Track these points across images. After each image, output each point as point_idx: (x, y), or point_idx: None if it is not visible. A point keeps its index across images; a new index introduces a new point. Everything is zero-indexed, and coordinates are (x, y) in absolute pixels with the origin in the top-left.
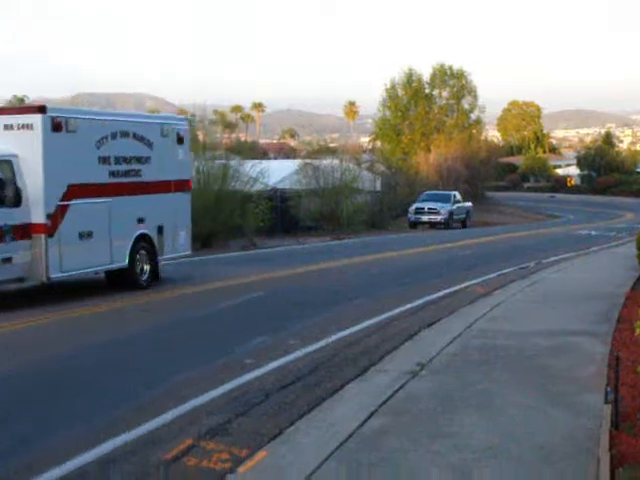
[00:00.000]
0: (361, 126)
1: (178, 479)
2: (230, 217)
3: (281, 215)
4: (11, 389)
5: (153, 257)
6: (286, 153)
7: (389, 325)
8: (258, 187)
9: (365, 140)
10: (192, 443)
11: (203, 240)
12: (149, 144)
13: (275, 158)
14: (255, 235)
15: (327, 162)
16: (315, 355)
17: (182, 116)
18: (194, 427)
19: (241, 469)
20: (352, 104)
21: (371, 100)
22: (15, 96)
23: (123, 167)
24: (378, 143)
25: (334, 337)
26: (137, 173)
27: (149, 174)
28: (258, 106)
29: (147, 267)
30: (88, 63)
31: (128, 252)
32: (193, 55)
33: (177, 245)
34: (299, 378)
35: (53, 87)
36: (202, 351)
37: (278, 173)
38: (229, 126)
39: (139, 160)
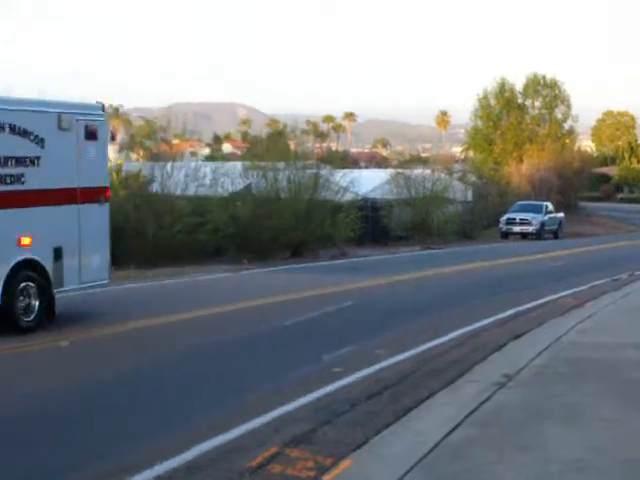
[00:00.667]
0: (453, 136)
1: None
2: (320, 226)
3: (372, 225)
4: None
5: (46, 289)
6: (377, 162)
7: (478, 336)
8: (349, 197)
9: (457, 150)
10: (277, 451)
11: (294, 249)
12: (38, 140)
13: (366, 167)
14: (345, 245)
15: (418, 172)
16: (403, 365)
17: (95, 103)
18: (279, 435)
19: (326, 477)
20: (444, 114)
21: (463, 110)
22: (111, 105)
23: None
24: (470, 153)
25: (422, 347)
26: (16, 179)
27: (37, 180)
28: (350, 116)
29: (36, 303)
30: (183, 73)
31: (1, 286)
32: (286, 66)
33: (88, 272)
34: (386, 388)
35: (149, 97)
36: (290, 359)
37: (369, 182)
38: (321, 136)
39: (20, 162)
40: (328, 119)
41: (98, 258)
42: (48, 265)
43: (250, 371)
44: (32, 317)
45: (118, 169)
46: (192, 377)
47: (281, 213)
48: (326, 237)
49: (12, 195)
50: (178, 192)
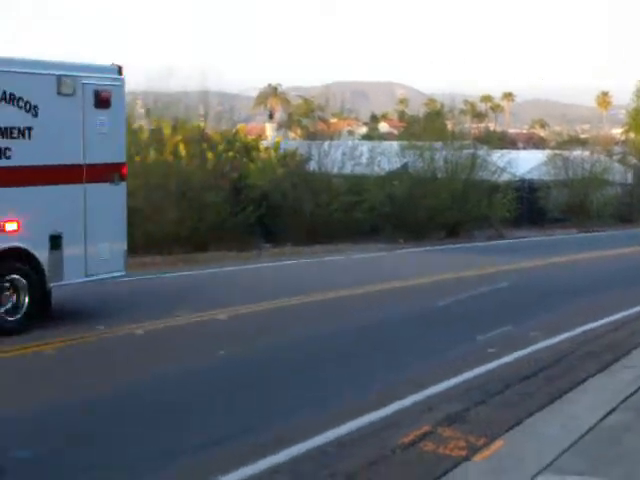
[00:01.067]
0: (613, 117)
1: (415, 463)
2: (477, 207)
3: (528, 206)
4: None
5: (39, 283)
6: (535, 143)
7: (636, 320)
8: (505, 177)
9: (617, 131)
10: (429, 429)
11: (449, 229)
12: (29, 108)
13: (524, 148)
14: (501, 226)
15: (577, 153)
16: (558, 347)
17: (109, 65)
18: (432, 414)
19: (477, 457)
20: (605, 94)
21: (625, 90)
22: (269, 85)
23: None
24: (631, 135)
25: (579, 329)
26: (1, 154)
27: (28, 155)
28: (508, 96)
29: (25, 299)
30: (342, 53)
31: None
32: (445, 45)
33: (97, 263)
34: (541, 369)
35: (306, 77)
36: (443, 339)
37: (526, 163)
38: (478, 116)
39: (4, 133)
40: (486, 99)
41: (110, 247)
42: (42, 255)
43: (403, 350)
44: (18, 316)
45: (276, 147)
46: (343, 354)
47: (437, 193)
48: (482, 218)
49: None
50: (335, 170)
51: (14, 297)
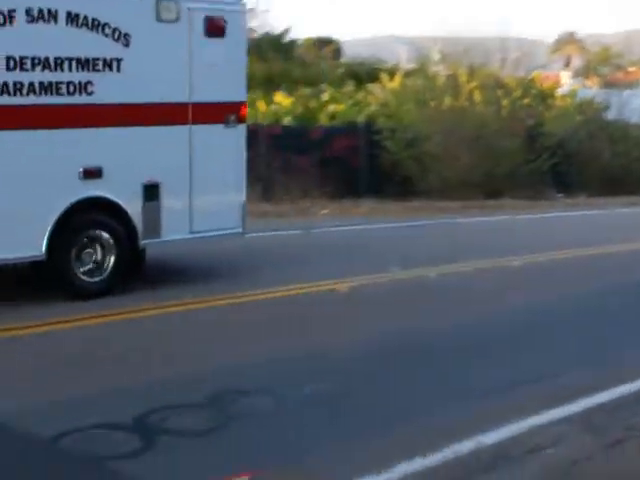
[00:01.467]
0: None
1: None
2: None
3: None
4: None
5: (129, 241)
6: None
7: None
8: None
9: None
10: None
11: None
12: (118, 36)
13: None
14: None
15: None
16: None
17: None
18: None
19: None
20: None
21: None
22: (566, 31)
23: (37, 76)
24: None
25: None
26: (80, 89)
27: (116, 91)
28: None
29: (111, 259)
30: None
31: (48, 233)
32: None
33: (206, 218)
34: None
35: (604, 23)
36: None
37: None
38: None
39: (85, 65)
40: None
41: (223, 199)
42: (132, 207)
43: None
44: (102, 277)
45: (573, 95)
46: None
47: None
48: None
49: (71, 110)
50: (633, 120)
51: (97, 255)
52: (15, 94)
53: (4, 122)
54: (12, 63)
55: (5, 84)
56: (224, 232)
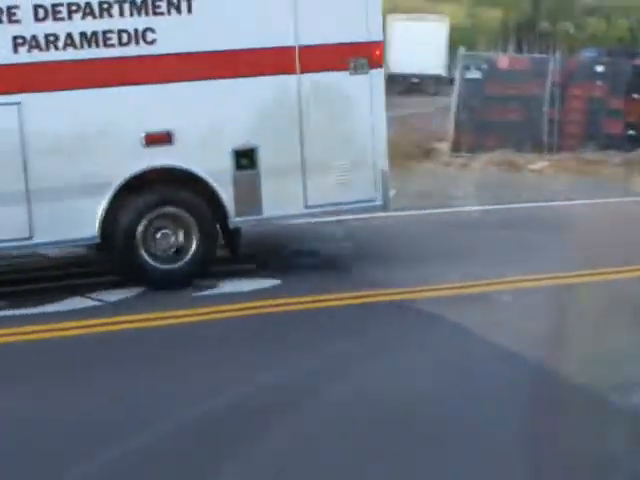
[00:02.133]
0: None
1: None
2: None
3: None
4: None
5: (215, 219)
6: None
7: None
8: None
9: None
10: None
11: None
12: None
13: None
14: None
15: None
16: None
17: None
18: None
19: None
20: None
21: None
22: None
23: (76, 26)
24: None
25: None
26: (138, 37)
27: (187, 37)
28: None
29: (193, 241)
30: None
31: (101, 211)
32: None
33: (325, 190)
34: None
35: None
36: None
37: None
38: None
39: (142, 8)
40: None
41: (352, 166)
42: (216, 177)
43: None
44: (180, 263)
45: None
46: None
47: None
48: None
49: (129, 63)
50: None
51: (173, 238)
52: (48, 49)
53: (38, 83)
54: (42, 12)
55: (34, 37)
56: (354, 206)
